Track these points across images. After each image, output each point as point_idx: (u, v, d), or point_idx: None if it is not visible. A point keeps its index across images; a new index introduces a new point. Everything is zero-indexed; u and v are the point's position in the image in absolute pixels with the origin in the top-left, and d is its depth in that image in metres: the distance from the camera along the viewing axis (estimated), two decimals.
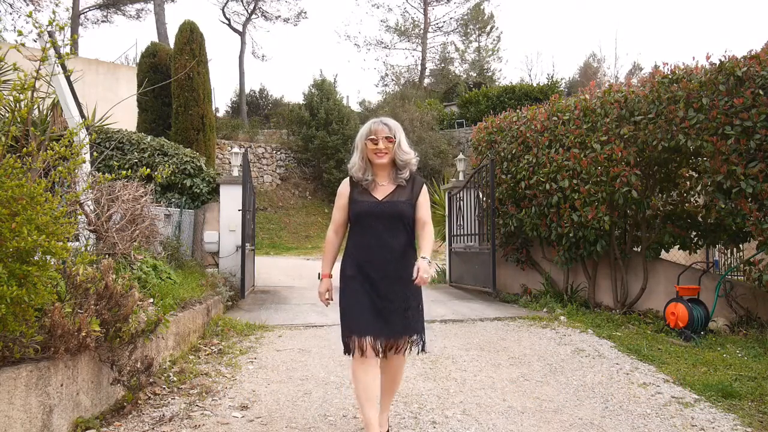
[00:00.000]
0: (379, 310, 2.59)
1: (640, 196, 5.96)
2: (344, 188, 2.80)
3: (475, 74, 33.97)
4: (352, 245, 2.73)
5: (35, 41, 4.10)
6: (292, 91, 67.83)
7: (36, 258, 2.40)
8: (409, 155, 2.71)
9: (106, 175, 3.38)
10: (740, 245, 6.36)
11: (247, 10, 31.48)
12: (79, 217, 4.21)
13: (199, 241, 8.67)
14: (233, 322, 5.77)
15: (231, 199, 8.38)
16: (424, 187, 2.79)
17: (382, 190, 2.70)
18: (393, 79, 35.16)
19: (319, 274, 2.78)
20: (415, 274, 2.52)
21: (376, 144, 2.65)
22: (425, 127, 22.27)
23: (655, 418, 3.26)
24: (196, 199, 9.26)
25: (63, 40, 2.87)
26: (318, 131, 21.51)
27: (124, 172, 3.52)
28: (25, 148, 2.53)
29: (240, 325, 5.69)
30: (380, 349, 2.59)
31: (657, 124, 5.62)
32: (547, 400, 3.58)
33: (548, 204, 6.94)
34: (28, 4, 24.39)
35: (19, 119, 2.55)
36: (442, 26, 35.03)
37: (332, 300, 2.77)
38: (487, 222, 7.90)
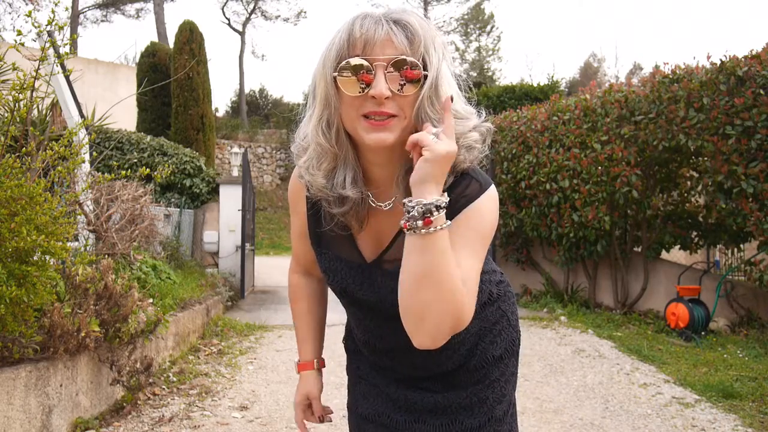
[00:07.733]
0: None
1: (641, 196, 5.95)
2: (296, 200, 1.17)
3: (475, 74, 33.96)
4: (350, 324, 1.32)
5: (34, 41, 4.10)
6: (292, 91, 67.86)
7: (35, 258, 2.39)
8: (467, 121, 1.00)
9: (106, 175, 3.37)
10: (741, 245, 6.36)
11: (246, 10, 31.51)
12: (79, 217, 4.20)
13: (199, 241, 8.66)
14: (233, 322, 5.76)
15: (231, 199, 8.38)
16: (485, 198, 1.00)
17: (383, 227, 1.06)
18: None
19: (296, 364, 1.39)
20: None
21: (366, 78, 0.91)
22: None
23: (655, 419, 3.26)
24: (195, 199, 9.25)
25: (62, 40, 2.85)
26: None
27: (123, 172, 3.50)
28: (24, 148, 2.52)
29: (240, 325, 5.68)
30: None
31: (657, 124, 5.62)
32: (548, 400, 3.58)
33: (548, 204, 6.93)
34: (27, 4, 24.37)
35: (18, 119, 2.54)
36: (442, 26, 35.00)
37: (329, 419, 1.37)
38: None
